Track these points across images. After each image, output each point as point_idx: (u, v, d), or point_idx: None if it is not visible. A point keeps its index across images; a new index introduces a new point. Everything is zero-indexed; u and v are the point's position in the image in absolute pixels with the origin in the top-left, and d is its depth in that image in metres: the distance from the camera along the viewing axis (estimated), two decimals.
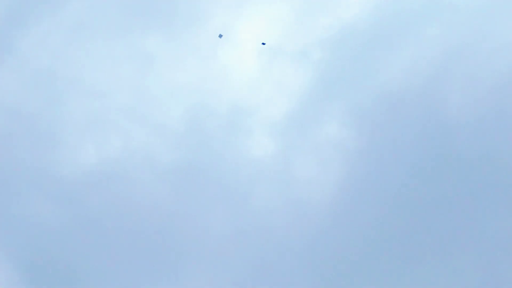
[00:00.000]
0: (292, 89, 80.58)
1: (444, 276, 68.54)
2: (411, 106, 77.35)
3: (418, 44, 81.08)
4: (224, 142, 78.59)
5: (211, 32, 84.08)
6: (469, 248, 69.38)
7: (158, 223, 74.86)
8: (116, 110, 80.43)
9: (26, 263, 72.96)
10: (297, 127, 78.55)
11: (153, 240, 74.20)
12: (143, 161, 77.72)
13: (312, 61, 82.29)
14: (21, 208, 75.24)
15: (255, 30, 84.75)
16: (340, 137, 77.22)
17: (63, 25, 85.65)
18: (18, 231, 74.24)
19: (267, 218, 74.45)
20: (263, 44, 71.63)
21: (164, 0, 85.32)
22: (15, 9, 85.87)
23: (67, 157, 77.90)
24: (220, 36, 73.70)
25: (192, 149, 78.45)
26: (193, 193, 76.24)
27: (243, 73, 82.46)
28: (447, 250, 69.56)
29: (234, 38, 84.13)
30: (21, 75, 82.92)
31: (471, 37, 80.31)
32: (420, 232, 71.07)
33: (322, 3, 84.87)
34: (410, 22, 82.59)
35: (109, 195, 76.22)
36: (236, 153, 77.83)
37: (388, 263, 70.59)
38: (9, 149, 78.39)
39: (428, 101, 77.32)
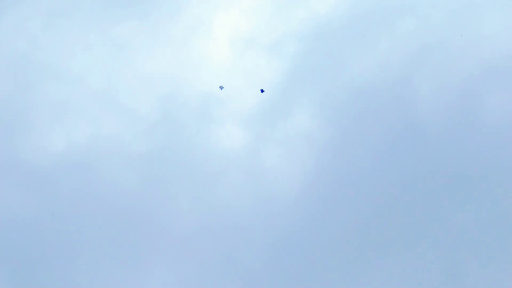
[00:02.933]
0: (265, 81, 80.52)
1: (408, 269, 68.90)
2: (382, 99, 77.49)
3: (393, 38, 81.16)
4: (194, 132, 78.56)
5: (185, 21, 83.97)
6: (435, 239, 69.81)
7: (125, 212, 74.73)
8: (87, 97, 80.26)
9: None
10: (268, 118, 78.58)
11: (120, 228, 74.06)
12: (112, 149, 77.56)
13: (286, 53, 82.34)
14: None
15: (230, 20, 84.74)
16: (311, 129, 77.28)
17: (39, 10, 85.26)
18: None
19: (235, 209, 74.45)
20: (262, 91, 72.03)
21: None
22: None
23: (36, 143, 77.70)
24: (221, 87, 73.77)
25: (162, 138, 78.36)
26: (162, 183, 76.18)
27: (216, 64, 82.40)
28: (418, 240, 70.01)
29: (209, 28, 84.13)
30: None
31: (446, 32, 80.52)
32: (389, 223, 71.28)
33: None
34: (385, 16, 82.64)
35: (78, 182, 76.03)
36: (206, 144, 77.82)
37: (358, 254, 70.70)
38: None
39: (399, 94, 77.50)
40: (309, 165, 75.39)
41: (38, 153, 77.11)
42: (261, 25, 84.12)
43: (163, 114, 79.47)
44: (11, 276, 71.94)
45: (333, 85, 79.33)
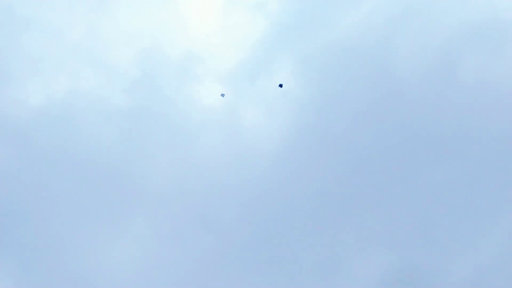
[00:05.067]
0: (246, 39, 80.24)
1: (383, 227, 69.23)
2: (363, 59, 77.35)
3: None
4: (174, 88, 78.26)
5: None
6: (411, 198, 70.16)
7: (104, 166, 74.46)
8: (67, 50, 79.71)
9: None
10: (248, 76, 78.34)
11: (98, 183, 73.84)
12: (91, 104, 77.18)
13: (269, 12, 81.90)
14: None
15: None
16: (291, 88, 77.14)
17: None
18: None
19: (213, 167, 74.31)
20: (281, 86, 71.95)
21: None
22: None
23: (14, 96, 77.20)
24: (223, 95, 73.39)
25: (142, 94, 78.03)
26: (140, 138, 75.92)
27: (199, 21, 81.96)
28: (388, 200, 70.26)
29: None
30: None
31: None
32: (366, 182, 71.43)
33: None
34: None
35: (55, 136, 75.66)
36: (186, 100, 77.51)
37: (334, 213, 70.84)
38: None
39: (380, 55, 77.39)
40: (288, 124, 75.33)
41: (15, 106, 76.66)
42: None
43: (143, 70, 79.14)
44: None
45: (315, 45, 79.12)
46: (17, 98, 77.08)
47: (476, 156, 70.64)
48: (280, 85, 74.29)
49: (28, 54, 79.29)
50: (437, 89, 74.21)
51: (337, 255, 68.90)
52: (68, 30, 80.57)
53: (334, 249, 69.22)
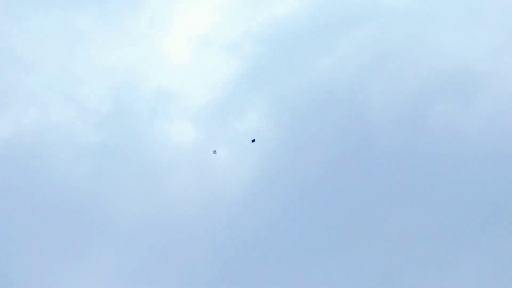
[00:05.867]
0: (218, 79, 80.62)
1: (354, 265, 69.10)
2: (334, 102, 77.87)
3: (350, 44, 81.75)
4: (145, 126, 78.08)
5: (144, 15, 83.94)
6: (375, 241, 70.12)
7: (71, 201, 73.70)
8: (40, 83, 79.46)
9: None
10: (219, 116, 78.48)
11: (65, 217, 72.96)
12: (61, 138, 76.68)
13: (242, 54, 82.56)
14: None
15: (190, 18, 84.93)
16: (261, 129, 77.31)
17: None
18: None
19: (180, 205, 73.83)
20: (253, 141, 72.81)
21: None
22: None
23: None
24: (215, 152, 73.68)
25: (112, 130, 77.73)
26: (109, 174, 75.37)
27: (172, 60, 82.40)
28: (355, 243, 70.16)
29: (167, 24, 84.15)
30: None
31: (401, 41, 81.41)
32: (331, 224, 71.28)
33: None
34: (344, 22, 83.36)
35: (24, 168, 74.87)
36: (156, 138, 77.36)
37: (301, 256, 70.49)
38: None
39: (351, 99, 77.94)
40: (259, 164, 75.29)
41: None
42: (219, 25, 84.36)
43: (115, 106, 79.05)
44: None
45: (287, 88, 79.62)
46: None
47: (443, 202, 71.01)
48: (253, 140, 74.79)
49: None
50: (407, 135, 74.82)
51: None
52: (41, 64, 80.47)
53: None
